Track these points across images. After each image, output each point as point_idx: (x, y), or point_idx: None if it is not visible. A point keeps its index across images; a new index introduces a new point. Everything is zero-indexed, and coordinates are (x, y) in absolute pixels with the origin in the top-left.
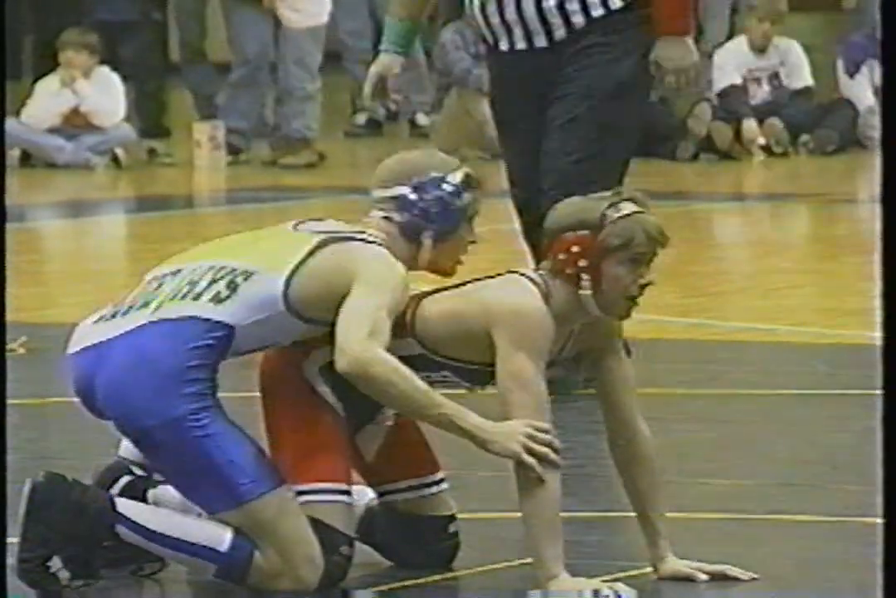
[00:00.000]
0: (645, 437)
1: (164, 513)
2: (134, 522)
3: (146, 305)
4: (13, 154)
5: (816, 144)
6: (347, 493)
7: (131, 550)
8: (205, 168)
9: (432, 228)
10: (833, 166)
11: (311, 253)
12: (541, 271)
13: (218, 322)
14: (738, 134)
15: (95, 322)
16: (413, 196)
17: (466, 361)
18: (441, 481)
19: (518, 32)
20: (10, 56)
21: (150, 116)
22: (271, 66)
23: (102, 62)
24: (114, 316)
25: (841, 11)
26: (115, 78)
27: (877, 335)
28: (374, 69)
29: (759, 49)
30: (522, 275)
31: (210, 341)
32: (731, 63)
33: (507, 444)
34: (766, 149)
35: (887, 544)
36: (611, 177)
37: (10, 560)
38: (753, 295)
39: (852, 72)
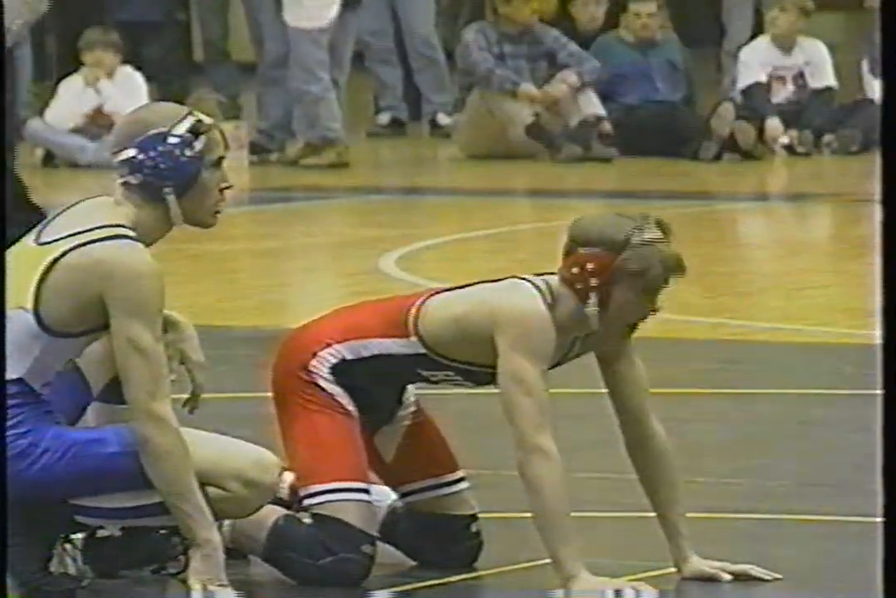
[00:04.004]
0: (661, 437)
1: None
2: (90, 507)
3: None
4: (37, 154)
5: (840, 144)
6: (366, 491)
7: (152, 549)
8: (228, 168)
9: (169, 184)
10: (856, 166)
11: (45, 273)
12: (547, 278)
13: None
14: (761, 133)
15: None
16: (140, 156)
17: (468, 362)
18: (460, 480)
19: None
20: (34, 56)
21: None
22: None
23: (125, 62)
24: None
25: (865, 10)
26: (139, 78)
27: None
28: None
29: (785, 47)
30: (526, 280)
31: (10, 402)
32: (756, 61)
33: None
34: (790, 148)
35: (887, 544)
36: None
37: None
38: (776, 295)
39: (877, 71)
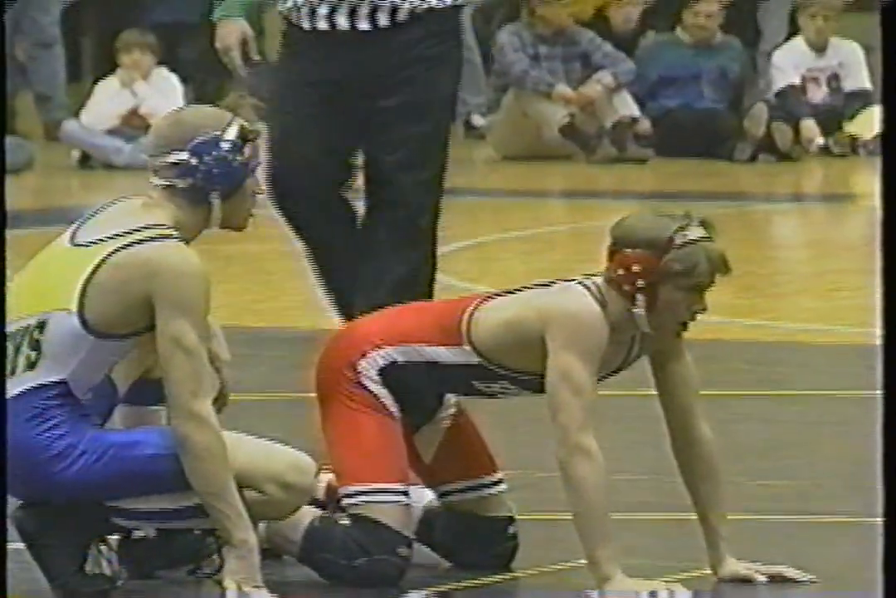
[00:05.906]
0: (707, 439)
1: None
2: (127, 509)
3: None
4: (73, 155)
5: (876, 145)
6: (405, 493)
7: (188, 549)
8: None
9: (218, 189)
10: None
11: (92, 274)
12: (596, 279)
13: (43, 385)
14: (796, 134)
15: None
16: (193, 161)
17: (524, 370)
18: (499, 482)
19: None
20: (70, 58)
21: None
22: None
23: (161, 64)
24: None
25: None
26: (174, 79)
27: None
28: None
29: (818, 49)
30: (578, 283)
31: (50, 403)
32: (790, 63)
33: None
34: (825, 149)
35: (887, 544)
36: None
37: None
38: (811, 296)
39: None
